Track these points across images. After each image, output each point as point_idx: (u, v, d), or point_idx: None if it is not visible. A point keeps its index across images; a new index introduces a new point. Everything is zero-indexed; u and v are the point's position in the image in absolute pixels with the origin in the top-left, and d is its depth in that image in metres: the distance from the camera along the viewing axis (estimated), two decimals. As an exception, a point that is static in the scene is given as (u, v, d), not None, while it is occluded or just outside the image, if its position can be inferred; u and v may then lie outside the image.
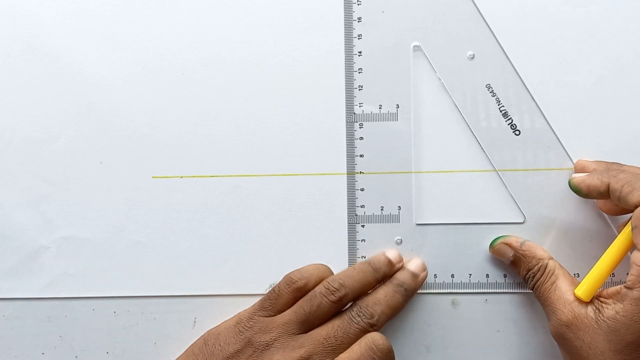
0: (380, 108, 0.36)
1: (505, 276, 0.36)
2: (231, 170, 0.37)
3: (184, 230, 0.37)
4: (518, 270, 0.35)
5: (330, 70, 0.36)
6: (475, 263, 0.36)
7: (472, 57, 0.36)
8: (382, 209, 0.36)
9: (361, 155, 0.36)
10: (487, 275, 0.36)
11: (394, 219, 0.36)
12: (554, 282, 0.32)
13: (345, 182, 0.36)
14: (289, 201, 0.37)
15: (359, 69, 0.36)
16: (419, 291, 0.36)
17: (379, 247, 0.36)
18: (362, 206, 0.36)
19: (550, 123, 0.36)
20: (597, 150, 0.35)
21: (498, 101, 0.36)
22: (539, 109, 0.36)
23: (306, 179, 0.37)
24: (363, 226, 0.36)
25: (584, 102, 0.35)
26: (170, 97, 0.37)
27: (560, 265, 0.33)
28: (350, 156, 0.36)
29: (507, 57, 0.36)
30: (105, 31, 0.37)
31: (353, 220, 0.36)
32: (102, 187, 0.37)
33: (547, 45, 0.36)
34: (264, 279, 0.37)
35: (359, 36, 0.36)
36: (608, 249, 0.32)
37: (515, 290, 0.36)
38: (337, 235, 0.36)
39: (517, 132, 0.36)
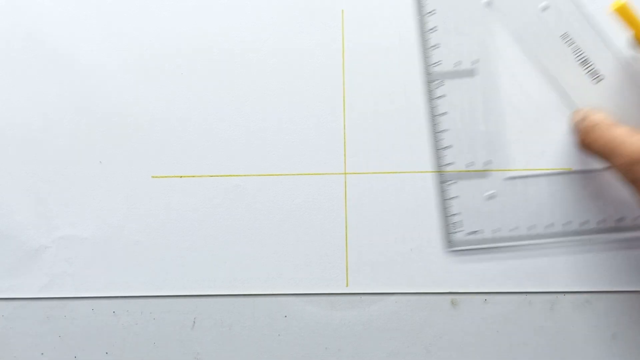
0: (457, 65, 0.36)
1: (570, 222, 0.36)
2: (231, 170, 0.37)
3: (184, 230, 0.37)
4: (576, 127, 0.34)
5: (331, 70, 0.36)
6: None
7: (546, 8, 0.35)
8: (470, 165, 0.36)
9: (444, 114, 0.36)
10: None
11: (483, 174, 0.36)
12: (608, 124, 0.32)
13: (431, 142, 0.36)
14: (288, 201, 0.37)
15: (433, 27, 0.36)
16: (418, 291, 0.36)
17: (470, 203, 0.36)
18: (449, 164, 0.36)
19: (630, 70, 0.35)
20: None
21: (575, 50, 0.35)
22: (617, 52, 0.35)
23: (306, 179, 0.37)
24: (454, 182, 0.36)
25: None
26: (170, 97, 0.37)
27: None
28: (433, 116, 0.36)
29: (580, 5, 0.35)
30: (104, 30, 0.37)
31: (440, 179, 0.36)
32: (101, 186, 0.37)
33: None
34: (263, 279, 0.37)
35: None
36: None
37: (515, 290, 0.36)
38: (337, 235, 0.36)
39: (597, 80, 0.35)
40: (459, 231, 0.36)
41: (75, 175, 0.37)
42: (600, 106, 0.35)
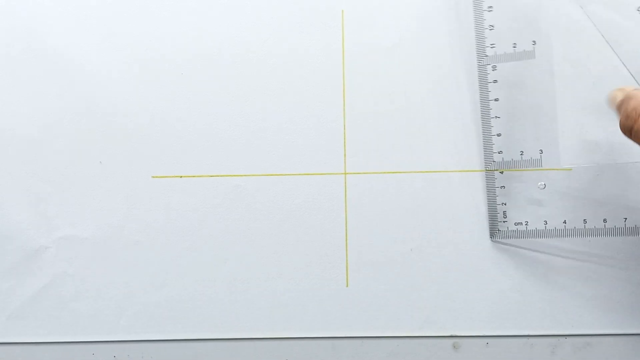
0: (514, 47, 0.34)
1: (625, 219, 0.34)
2: (231, 170, 0.37)
3: (184, 230, 0.37)
4: (620, 114, 0.30)
5: (331, 70, 0.36)
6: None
7: None
8: (521, 154, 0.34)
9: (496, 99, 0.34)
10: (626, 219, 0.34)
11: (535, 163, 0.34)
12: None
13: (480, 131, 0.35)
14: (288, 201, 0.37)
15: (489, 7, 0.34)
16: (419, 335, 0.36)
17: (520, 194, 0.35)
18: (500, 152, 0.35)
19: None
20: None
21: None
22: None
23: (306, 179, 0.37)
24: (502, 173, 0.35)
25: None
26: (169, 97, 0.37)
27: None
28: (485, 101, 0.34)
29: None
30: (104, 31, 0.37)
31: (491, 167, 0.35)
32: (101, 186, 0.37)
33: None
34: (263, 279, 0.37)
35: None
36: None
37: (516, 333, 0.36)
38: (337, 235, 0.36)
39: None
40: (505, 221, 0.35)
41: (75, 175, 0.37)
42: None
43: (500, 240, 0.35)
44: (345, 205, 0.37)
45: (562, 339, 0.36)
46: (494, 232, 0.35)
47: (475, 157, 0.36)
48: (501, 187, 0.35)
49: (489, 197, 0.35)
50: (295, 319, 0.37)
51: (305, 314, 0.37)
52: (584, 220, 0.34)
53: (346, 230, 0.36)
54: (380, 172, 0.36)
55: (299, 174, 0.37)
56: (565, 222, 0.34)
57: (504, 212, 0.35)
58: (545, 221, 0.35)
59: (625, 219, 0.34)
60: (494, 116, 0.34)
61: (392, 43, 0.37)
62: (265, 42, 0.37)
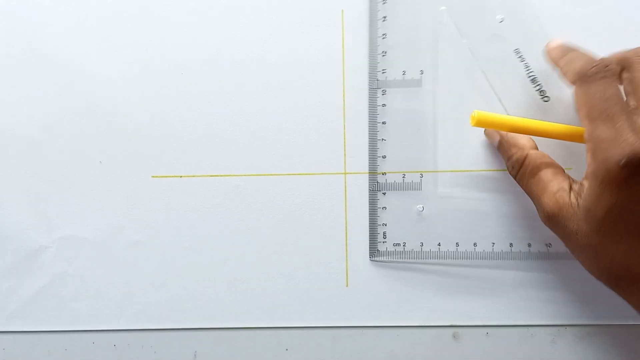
0: (403, 74, 0.35)
1: (529, 245, 0.35)
2: (231, 170, 0.37)
3: (184, 230, 0.37)
4: (502, 156, 0.34)
5: (330, 70, 0.36)
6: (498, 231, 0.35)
7: (502, 21, 0.35)
8: (403, 177, 0.36)
9: (383, 123, 0.36)
10: (511, 245, 0.35)
11: (415, 186, 0.36)
12: (536, 173, 0.31)
13: (367, 151, 0.36)
14: (288, 201, 0.37)
15: (383, 34, 0.35)
16: (419, 324, 0.36)
17: (400, 215, 0.36)
18: (384, 174, 0.36)
19: None
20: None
21: (527, 67, 0.35)
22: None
23: (306, 179, 0.37)
24: (384, 194, 0.36)
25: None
26: (169, 97, 0.37)
27: (545, 154, 0.32)
28: (373, 123, 0.36)
29: (537, 21, 0.35)
30: (104, 30, 0.37)
31: (374, 188, 0.36)
32: (101, 186, 0.37)
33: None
34: (263, 279, 0.37)
35: (383, 1, 0.36)
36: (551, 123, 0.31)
37: (517, 323, 0.36)
38: (336, 235, 0.36)
39: (545, 99, 0.35)
40: (384, 242, 0.36)
41: (75, 175, 0.37)
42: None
43: (378, 259, 0.36)
44: (345, 205, 0.37)
45: (562, 329, 0.36)
46: (373, 251, 0.36)
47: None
48: (383, 207, 0.36)
49: (370, 218, 0.36)
50: (295, 319, 0.37)
51: (305, 314, 0.37)
52: (457, 243, 0.36)
53: (346, 230, 0.36)
54: (380, 172, 0.36)
55: (299, 174, 0.37)
56: (439, 244, 0.36)
57: (384, 233, 0.36)
58: (422, 243, 0.36)
59: (493, 244, 0.36)
60: (380, 138, 0.36)
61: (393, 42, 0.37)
62: (265, 42, 0.37)
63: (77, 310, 0.37)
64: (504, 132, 0.33)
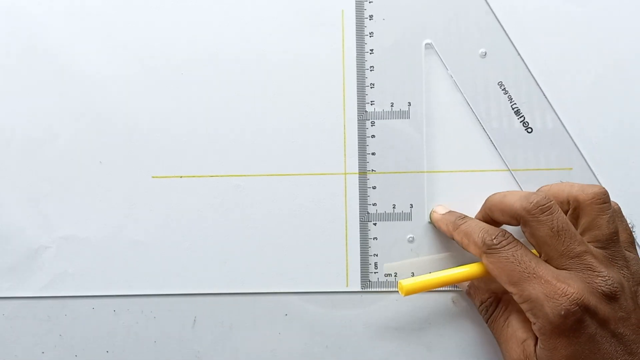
0: (392, 106, 0.36)
1: None
2: (231, 170, 0.37)
3: (184, 230, 0.37)
4: (473, 301, 0.35)
5: (330, 70, 0.36)
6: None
7: (484, 55, 0.36)
8: (394, 207, 0.36)
9: (373, 154, 0.36)
10: None
11: (406, 217, 0.36)
12: (507, 318, 0.32)
13: (357, 181, 0.36)
14: (289, 201, 0.37)
15: (371, 66, 0.36)
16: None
17: (391, 244, 0.36)
18: (374, 204, 0.36)
19: (562, 121, 0.35)
20: (597, 149, 0.36)
21: (510, 99, 0.36)
22: (551, 106, 0.35)
23: (306, 179, 0.37)
24: (375, 224, 0.36)
25: (588, 100, 0.36)
26: (170, 97, 0.37)
27: (514, 300, 0.31)
28: (362, 154, 0.36)
29: (519, 54, 0.36)
30: (104, 30, 0.37)
31: (365, 219, 0.36)
32: (101, 186, 0.37)
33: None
34: (263, 279, 0.37)
35: (370, 34, 0.36)
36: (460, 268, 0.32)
37: None
38: (337, 235, 0.36)
39: (529, 130, 0.35)
40: (376, 272, 0.36)
41: (75, 175, 0.37)
42: (528, 157, 0.35)
43: (370, 290, 0.36)
44: (345, 205, 0.37)
45: None
46: (365, 282, 0.36)
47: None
48: (374, 238, 0.36)
49: (362, 248, 0.36)
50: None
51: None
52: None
53: (346, 230, 0.37)
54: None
55: (299, 174, 0.37)
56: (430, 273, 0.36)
57: (375, 263, 0.36)
58: (412, 273, 0.36)
59: None
60: (370, 169, 0.36)
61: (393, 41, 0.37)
62: (265, 42, 0.36)
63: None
64: (475, 280, 0.34)
